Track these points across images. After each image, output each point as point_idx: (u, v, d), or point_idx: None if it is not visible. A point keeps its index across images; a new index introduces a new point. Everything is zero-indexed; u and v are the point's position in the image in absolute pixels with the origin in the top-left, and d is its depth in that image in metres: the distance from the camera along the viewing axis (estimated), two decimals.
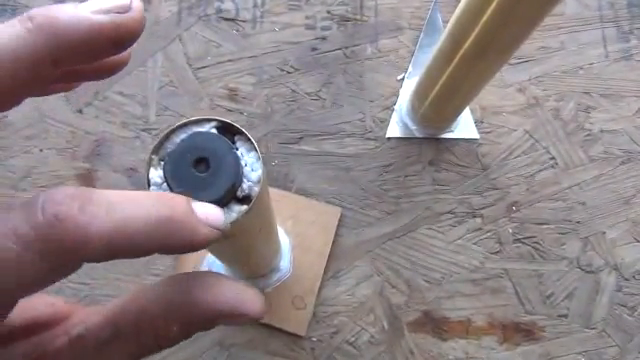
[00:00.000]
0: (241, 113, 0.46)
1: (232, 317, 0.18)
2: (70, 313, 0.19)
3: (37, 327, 0.18)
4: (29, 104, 0.45)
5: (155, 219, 0.16)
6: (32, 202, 0.14)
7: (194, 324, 0.18)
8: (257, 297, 0.19)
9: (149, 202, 0.16)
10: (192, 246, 0.17)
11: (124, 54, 0.19)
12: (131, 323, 0.18)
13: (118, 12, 0.16)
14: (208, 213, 0.18)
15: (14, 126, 0.45)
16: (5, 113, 0.45)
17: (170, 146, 0.20)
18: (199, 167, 0.19)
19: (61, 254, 0.14)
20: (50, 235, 0.14)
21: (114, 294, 0.42)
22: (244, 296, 0.19)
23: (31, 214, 0.14)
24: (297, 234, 0.42)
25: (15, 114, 0.45)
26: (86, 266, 0.45)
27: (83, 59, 0.17)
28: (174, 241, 0.16)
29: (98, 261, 0.15)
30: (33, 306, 0.19)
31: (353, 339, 0.41)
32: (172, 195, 0.17)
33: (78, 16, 0.16)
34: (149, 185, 0.20)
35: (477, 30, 0.31)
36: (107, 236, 0.15)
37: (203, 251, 0.41)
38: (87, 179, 0.44)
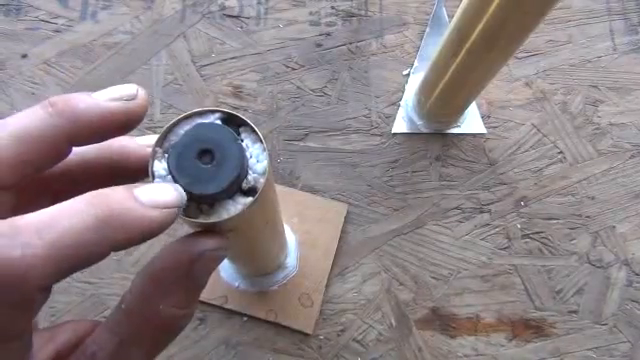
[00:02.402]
0: (246, 110, 0.45)
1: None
2: (91, 330, 0.20)
3: (61, 357, 0.19)
4: (33, 103, 0.45)
5: (93, 222, 0.16)
6: None
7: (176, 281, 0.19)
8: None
9: (80, 207, 0.16)
10: (145, 233, 0.17)
11: None
12: (129, 326, 0.19)
13: (127, 100, 0.19)
14: (153, 195, 0.17)
15: None
16: (10, 112, 0.45)
17: (174, 138, 0.20)
18: (204, 158, 0.19)
19: (9, 294, 0.15)
20: None
21: (120, 293, 0.41)
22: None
23: None
24: (303, 231, 0.42)
25: None
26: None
27: (95, 139, 0.19)
28: (123, 235, 0.16)
29: (56, 281, 0.15)
30: (53, 337, 0.20)
31: (361, 337, 0.41)
32: (107, 191, 0.17)
33: (93, 103, 0.18)
34: (153, 178, 0.19)
35: (483, 23, 0.30)
36: (47, 260, 0.15)
37: None
38: None
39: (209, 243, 0.19)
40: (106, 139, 0.20)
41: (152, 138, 0.20)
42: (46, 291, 0.16)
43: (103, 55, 0.46)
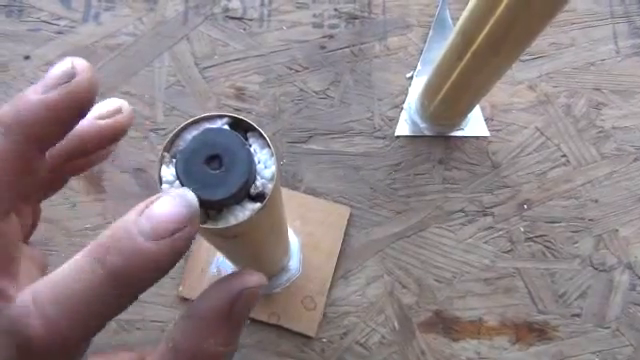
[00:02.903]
0: (249, 112, 0.45)
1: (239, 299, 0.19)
2: None
3: None
4: None
5: (104, 280, 0.15)
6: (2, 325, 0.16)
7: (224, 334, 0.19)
8: (248, 272, 0.20)
9: (87, 268, 0.15)
10: (161, 270, 0.16)
11: (122, 121, 0.22)
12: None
13: (65, 81, 0.17)
14: (159, 223, 0.16)
15: None
16: None
17: (182, 143, 0.20)
18: (212, 164, 0.19)
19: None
20: (26, 356, 0.15)
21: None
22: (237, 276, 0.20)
23: (5, 339, 0.16)
24: (306, 234, 0.42)
25: None
26: None
27: (58, 135, 0.18)
28: (141, 282, 0.16)
29: (85, 340, 0.16)
30: None
31: (364, 340, 0.41)
32: (110, 235, 0.16)
33: (35, 102, 0.17)
34: (161, 183, 0.19)
35: (489, 26, 0.30)
36: (71, 327, 0.15)
37: (211, 252, 0.40)
38: (95, 180, 0.43)
39: (249, 281, 0.19)
40: (69, 129, 0.18)
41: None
42: (82, 346, 0.17)
43: (105, 57, 0.46)
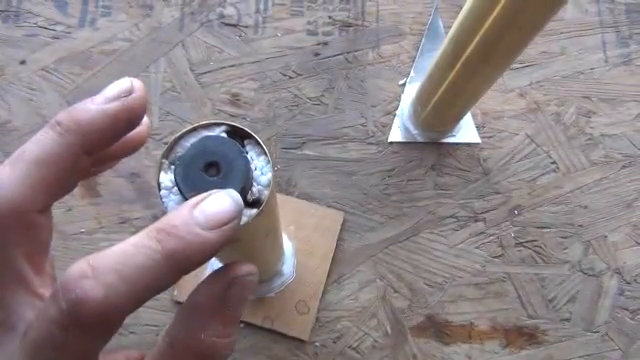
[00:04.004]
0: (244, 118, 0.46)
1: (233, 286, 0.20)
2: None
3: None
4: (31, 109, 0.45)
5: (161, 258, 0.17)
6: (55, 291, 0.17)
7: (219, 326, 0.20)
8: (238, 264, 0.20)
9: (148, 244, 0.17)
10: (212, 254, 0.18)
11: (143, 133, 0.23)
12: (172, 357, 0.19)
13: (125, 96, 0.19)
14: (213, 215, 0.18)
15: (18, 132, 0.45)
16: (8, 118, 0.45)
17: (180, 150, 0.20)
18: (210, 171, 0.19)
19: (94, 329, 0.17)
20: (78, 319, 0.16)
21: None
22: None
23: (57, 304, 0.16)
24: (300, 239, 0.42)
25: (18, 119, 0.45)
26: None
27: (108, 142, 0.20)
28: (190, 263, 0.17)
29: (131, 312, 0.17)
30: None
31: (356, 344, 0.41)
32: (169, 222, 0.17)
33: (94, 111, 0.19)
34: (159, 189, 0.20)
35: (480, 36, 0.31)
36: (128, 297, 0.16)
37: None
38: (90, 184, 0.44)
39: (240, 270, 0.20)
40: (118, 139, 0.20)
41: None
42: (124, 320, 0.17)
43: (101, 62, 0.47)
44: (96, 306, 0.16)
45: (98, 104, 0.19)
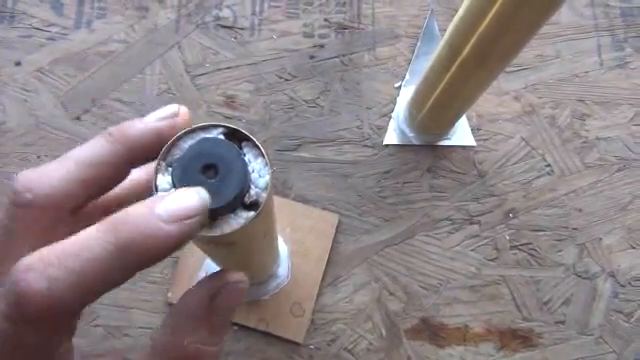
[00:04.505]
0: (239, 120, 0.46)
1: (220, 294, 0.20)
2: None
3: None
4: (26, 111, 0.45)
5: (113, 250, 0.16)
6: (6, 282, 0.16)
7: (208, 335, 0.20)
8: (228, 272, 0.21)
9: (100, 235, 0.16)
10: (170, 249, 0.17)
11: None
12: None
13: (171, 118, 0.21)
14: (175, 209, 0.17)
15: (12, 133, 0.45)
16: (3, 119, 0.45)
17: (177, 152, 0.20)
18: (208, 173, 0.19)
19: (40, 323, 0.16)
20: (23, 312, 0.16)
21: (110, 302, 0.41)
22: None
23: (5, 295, 0.16)
24: (295, 241, 0.42)
25: (13, 121, 0.45)
26: None
27: (150, 158, 0.21)
28: (146, 257, 0.17)
29: (86, 305, 0.17)
30: None
31: (351, 346, 0.41)
32: (126, 214, 0.17)
33: (143, 126, 0.21)
34: (157, 191, 0.20)
35: (476, 38, 0.31)
36: (73, 290, 0.16)
37: (201, 259, 0.41)
38: None
39: (229, 277, 0.20)
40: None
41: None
42: (76, 314, 0.17)
43: (97, 63, 0.47)
44: (39, 299, 0.16)
45: (147, 122, 0.21)
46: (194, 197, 0.18)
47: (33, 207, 0.19)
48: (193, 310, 0.19)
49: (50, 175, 0.19)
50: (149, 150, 0.21)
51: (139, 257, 0.17)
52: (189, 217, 0.17)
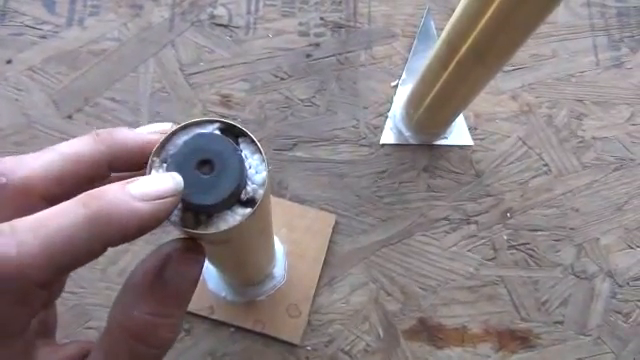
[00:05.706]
0: (234, 119, 0.45)
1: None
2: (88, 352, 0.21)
3: None
4: (17, 110, 0.44)
5: (83, 220, 0.16)
6: None
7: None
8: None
9: (72, 207, 0.17)
10: (140, 227, 0.17)
11: None
12: (109, 337, 0.19)
13: (162, 134, 0.21)
14: (146, 187, 0.18)
15: (3, 132, 0.44)
16: None
17: (172, 148, 0.20)
18: (203, 169, 0.19)
19: (8, 289, 0.16)
20: None
21: (103, 303, 0.41)
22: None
23: None
24: (291, 241, 0.42)
25: (4, 120, 0.44)
26: (74, 274, 0.43)
27: (133, 166, 0.21)
28: (115, 231, 0.17)
29: (54, 279, 0.16)
30: (60, 350, 0.22)
31: (348, 347, 0.41)
32: (100, 189, 0.17)
33: (131, 134, 0.21)
34: None
35: (474, 36, 0.31)
36: (41, 256, 0.16)
37: None
38: None
39: (175, 245, 0.20)
40: (141, 168, 0.21)
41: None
42: (43, 288, 0.17)
43: (89, 62, 0.46)
44: (7, 264, 0.16)
45: (137, 132, 0.22)
46: (168, 180, 0.18)
47: (7, 189, 0.19)
48: (139, 280, 0.19)
49: (31, 161, 0.20)
50: (132, 159, 0.21)
51: (108, 228, 0.17)
52: (160, 198, 0.18)
